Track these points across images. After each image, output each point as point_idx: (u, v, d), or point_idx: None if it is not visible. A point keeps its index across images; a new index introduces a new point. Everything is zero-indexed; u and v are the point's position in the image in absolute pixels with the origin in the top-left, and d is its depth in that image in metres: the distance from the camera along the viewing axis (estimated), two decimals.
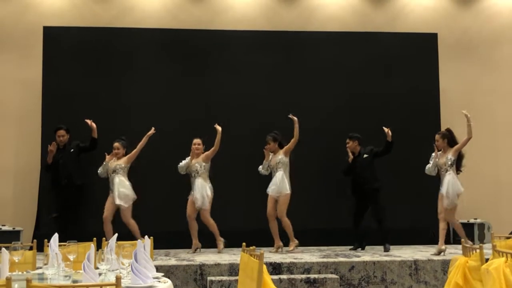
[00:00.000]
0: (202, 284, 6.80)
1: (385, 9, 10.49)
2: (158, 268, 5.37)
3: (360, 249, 8.56)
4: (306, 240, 8.92)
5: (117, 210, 8.14)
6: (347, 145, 8.75)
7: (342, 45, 9.94)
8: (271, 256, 7.59)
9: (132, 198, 8.10)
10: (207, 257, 7.53)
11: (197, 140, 8.29)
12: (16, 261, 3.70)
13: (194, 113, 9.38)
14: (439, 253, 7.67)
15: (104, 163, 8.23)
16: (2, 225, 8.89)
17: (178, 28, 9.85)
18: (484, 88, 10.45)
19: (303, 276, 6.72)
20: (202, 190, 8.08)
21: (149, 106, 9.38)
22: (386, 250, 8.23)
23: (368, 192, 8.52)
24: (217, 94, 9.55)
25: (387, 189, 9.09)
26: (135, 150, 8.18)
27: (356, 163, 8.64)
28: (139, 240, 4.13)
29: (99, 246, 4.96)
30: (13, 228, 8.81)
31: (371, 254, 7.80)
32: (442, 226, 7.88)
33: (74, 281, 3.32)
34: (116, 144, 8.22)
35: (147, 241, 4.46)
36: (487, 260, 4.10)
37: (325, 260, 7.14)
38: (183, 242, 8.36)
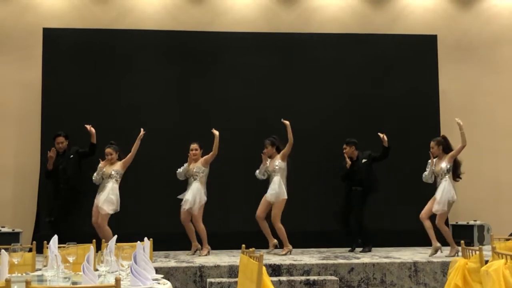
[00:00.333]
0: (201, 286, 6.80)
1: (384, 10, 10.50)
2: (158, 270, 5.36)
3: (357, 248, 8.66)
4: (306, 241, 8.93)
5: (115, 214, 8.05)
6: (344, 151, 8.80)
7: (342, 47, 9.95)
8: (271, 258, 7.59)
9: (114, 209, 7.96)
10: (206, 259, 7.53)
11: (194, 145, 8.25)
12: (16, 262, 3.69)
13: (194, 114, 9.39)
14: (435, 251, 7.69)
15: (98, 169, 8.10)
16: (2, 227, 8.88)
17: (178, 30, 9.85)
18: (484, 89, 10.46)
19: (303, 278, 6.72)
20: (196, 194, 8.03)
21: (148, 108, 9.39)
22: (365, 251, 8.41)
23: (366, 195, 8.65)
24: (217, 95, 9.56)
25: (387, 191, 9.11)
26: (130, 155, 8.07)
27: (354, 168, 8.69)
28: (138, 242, 4.13)
29: (98, 248, 4.96)
30: (13, 230, 8.80)
31: (371, 256, 7.80)
32: (427, 225, 7.90)
33: (74, 283, 3.31)
34: (108, 150, 8.12)
35: (147, 243, 4.45)
36: (486, 262, 4.10)
37: (324, 262, 7.14)
38: (182, 244, 8.35)
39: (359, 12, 10.42)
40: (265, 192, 8.24)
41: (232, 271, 6.84)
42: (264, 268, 3.64)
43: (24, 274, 3.78)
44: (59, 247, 3.95)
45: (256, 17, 10.22)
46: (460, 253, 7.60)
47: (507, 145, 10.38)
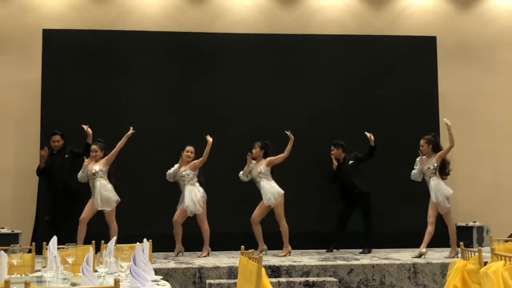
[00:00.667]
0: (201, 287, 6.80)
1: (384, 12, 10.51)
2: (157, 271, 5.37)
3: (335, 250, 8.72)
4: (306, 243, 8.93)
5: (100, 213, 8.04)
6: (332, 152, 8.92)
7: (341, 48, 9.95)
8: (270, 259, 7.59)
9: (115, 201, 7.94)
10: (206, 260, 7.53)
11: (190, 148, 8.25)
12: (15, 264, 3.69)
13: (193, 115, 9.39)
14: (420, 256, 7.70)
15: (84, 167, 8.05)
16: (1, 228, 8.88)
17: (178, 31, 9.86)
18: (483, 91, 10.46)
19: (302, 279, 6.72)
20: (192, 196, 8.04)
21: (148, 108, 9.39)
22: (364, 252, 8.44)
23: (358, 196, 8.69)
24: (216, 96, 9.56)
25: (387, 192, 9.12)
26: (113, 151, 8.00)
27: (341, 170, 8.80)
28: (137, 243, 4.13)
29: (97, 249, 4.96)
30: (12, 231, 8.80)
31: (370, 257, 7.81)
32: (429, 229, 7.92)
33: (73, 284, 3.31)
34: (93, 147, 8.07)
35: (146, 244, 4.46)
36: (485, 263, 4.10)
37: (324, 263, 7.14)
38: (182, 245, 8.34)
39: (358, 13, 10.43)
40: None
41: (232, 272, 6.84)
42: (263, 269, 3.64)
43: (23, 275, 3.78)
44: (58, 248, 3.95)
45: (255, 19, 10.23)
46: (459, 255, 7.66)
47: (506, 146, 10.38)
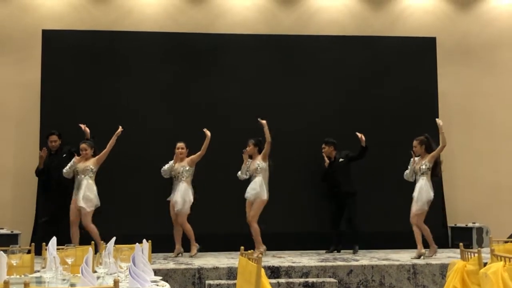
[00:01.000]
0: (200, 287, 6.79)
1: (383, 13, 10.50)
2: (157, 272, 5.36)
3: (336, 251, 8.72)
4: (306, 243, 8.93)
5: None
6: (323, 150, 9.00)
7: (341, 49, 9.94)
8: (270, 259, 7.59)
9: (95, 205, 7.90)
10: (205, 261, 7.52)
11: (180, 144, 8.30)
12: (14, 264, 3.69)
13: (193, 115, 9.38)
14: (419, 256, 7.75)
15: (72, 163, 8.01)
16: (0, 228, 8.88)
17: (177, 31, 9.85)
18: (483, 91, 10.46)
19: (301, 280, 6.72)
20: (184, 194, 8.06)
21: (148, 109, 9.39)
22: (355, 252, 8.49)
23: (343, 196, 8.73)
24: (216, 96, 9.55)
25: (386, 192, 9.12)
26: (104, 151, 7.99)
27: (332, 168, 8.87)
28: (137, 243, 4.12)
29: (97, 250, 4.96)
30: (11, 232, 8.79)
31: (369, 258, 7.80)
32: (416, 230, 7.95)
33: (72, 285, 3.31)
34: (83, 145, 8.05)
35: (145, 245, 4.45)
36: (485, 264, 4.10)
37: (323, 264, 7.14)
38: (182, 246, 8.33)
39: (358, 14, 10.43)
40: None
41: (231, 273, 6.84)
42: (262, 270, 3.64)
43: (22, 276, 3.78)
44: (57, 249, 3.95)
45: (255, 19, 10.22)
46: (437, 254, 7.71)
47: (506, 147, 10.38)
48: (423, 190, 7.86)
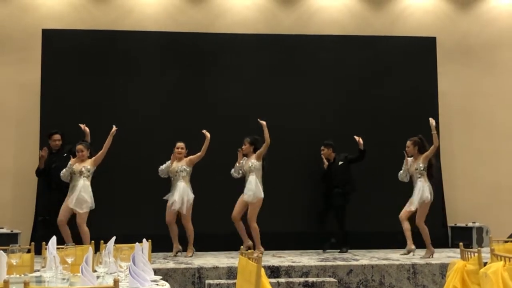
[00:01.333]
0: (200, 287, 6.80)
1: (384, 12, 10.50)
2: (156, 271, 5.36)
3: (344, 251, 8.74)
4: (306, 243, 8.93)
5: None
6: (322, 152, 9.08)
7: (341, 49, 9.95)
8: (269, 259, 7.59)
9: (89, 207, 7.83)
10: (205, 260, 7.52)
11: (180, 144, 8.29)
12: (14, 263, 3.69)
13: (193, 115, 9.38)
14: (408, 253, 7.83)
15: (68, 166, 7.96)
16: (0, 228, 8.88)
17: (177, 31, 9.85)
18: (483, 91, 10.46)
19: (301, 279, 6.72)
20: (183, 194, 8.05)
21: (148, 109, 9.39)
22: (343, 252, 8.59)
23: (339, 195, 8.79)
24: (216, 96, 9.56)
25: (385, 192, 9.12)
26: (101, 152, 7.93)
27: (331, 170, 8.93)
28: (137, 243, 4.13)
29: (97, 249, 4.96)
30: (11, 231, 8.79)
31: (369, 258, 7.80)
32: (405, 226, 8.00)
33: (72, 284, 3.31)
34: (79, 147, 7.97)
35: (145, 244, 4.46)
36: (485, 264, 4.10)
37: (323, 263, 7.13)
38: (181, 245, 8.33)
39: (358, 14, 10.43)
40: None
41: (231, 272, 6.84)
42: (262, 269, 3.64)
43: (22, 275, 3.78)
44: (57, 248, 3.95)
45: (255, 19, 10.23)
46: (433, 256, 7.72)
47: (506, 147, 10.38)
48: (421, 192, 7.89)
